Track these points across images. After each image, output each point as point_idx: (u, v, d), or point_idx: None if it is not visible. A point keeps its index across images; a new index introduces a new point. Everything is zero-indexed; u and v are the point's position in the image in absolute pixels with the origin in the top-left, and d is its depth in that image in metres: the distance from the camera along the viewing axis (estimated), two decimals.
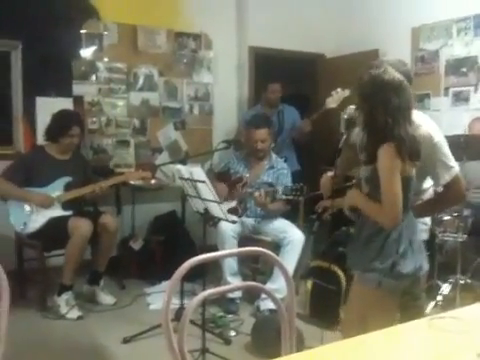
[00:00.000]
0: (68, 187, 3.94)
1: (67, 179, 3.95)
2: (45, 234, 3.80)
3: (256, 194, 3.80)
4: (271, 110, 4.96)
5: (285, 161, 4.42)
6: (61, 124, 3.95)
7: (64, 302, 3.72)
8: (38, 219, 3.83)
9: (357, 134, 2.30)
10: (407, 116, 2.03)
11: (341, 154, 2.41)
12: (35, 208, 3.84)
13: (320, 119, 4.59)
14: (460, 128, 4.28)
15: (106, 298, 4.00)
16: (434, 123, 2.36)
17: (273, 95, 4.98)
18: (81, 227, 3.74)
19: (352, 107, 2.24)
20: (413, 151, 2.02)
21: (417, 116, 2.15)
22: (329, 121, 4.43)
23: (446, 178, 2.28)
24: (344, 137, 2.33)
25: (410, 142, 2.00)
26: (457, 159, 2.39)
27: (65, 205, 3.91)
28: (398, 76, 2.04)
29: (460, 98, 4.66)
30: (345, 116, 2.24)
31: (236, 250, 1.65)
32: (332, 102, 4.21)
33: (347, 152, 2.43)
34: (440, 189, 2.40)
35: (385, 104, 1.99)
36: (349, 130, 2.32)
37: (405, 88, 2.03)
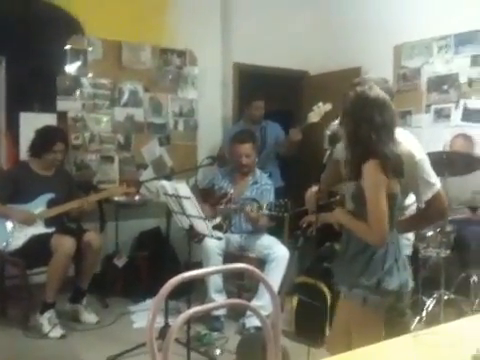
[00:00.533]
0: (51, 204, 3.90)
1: (50, 195, 3.91)
2: (27, 251, 3.74)
3: (247, 208, 3.79)
4: (254, 126, 4.99)
5: (269, 176, 4.43)
6: (45, 140, 3.92)
7: (47, 320, 3.66)
8: (20, 236, 3.77)
9: (341, 149, 2.32)
10: (391, 134, 2.05)
11: (325, 169, 2.42)
12: (17, 225, 3.79)
13: (303, 134, 4.62)
14: (441, 145, 4.33)
15: (89, 317, 3.94)
16: (415, 140, 2.38)
17: (257, 112, 5.01)
18: (64, 245, 3.69)
19: (335, 123, 2.26)
20: (397, 169, 2.04)
21: (398, 133, 2.17)
22: (312, 136, 4.47)
23: (428, 195, 2.30)
24: (328, 152, 2.35)
25: (394, 159, 2.02)
26: (439, 175, 2.42)
27: (48, 222, 3.86)
28: (383, 94, 2.06)
29: (441, 115, 4.73)
30: (328, 132, 2.27)
31: (221, 267, 1.64)
32: (314, 116, 4.25)
33: (331, 167, 2.45)
34: (422, 206, 2.42)
35: (368, 121, 2.01)
36: (333, 145, 2.34)
37: (389, 106, 2.05)
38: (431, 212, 2.36)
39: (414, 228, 2.61)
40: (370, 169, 1.99)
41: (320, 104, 4.20)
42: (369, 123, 2.00)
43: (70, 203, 3.89)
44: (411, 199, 2.45)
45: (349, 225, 2.13)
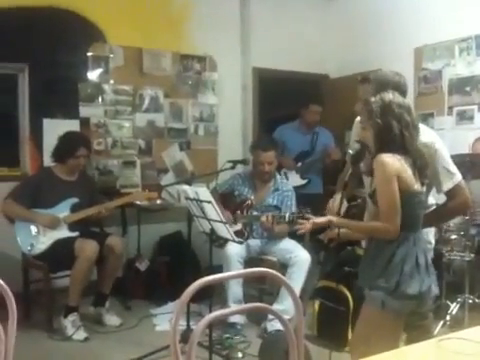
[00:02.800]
0: (74, 208, 3.95)
1: (74, 200, 3.96)
2: (51, 255, 3.81)
3: (263, 218, 3.80)
4: (307, 130, 5.04)
5: (308, 183, 4.43)
6: (68, 146, 3.98)
7: (70, 323, 3.71)
8: (45, 240, 3.84)
9: (364, 166, 2.33)
10: (417, 134, 2.10)
11: (348, 188, 2.42)
12: (42, 229, 3.85)
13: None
14: (464, 147, 4.28)
15: (112, 319, 3.98)
16: (435, 133, 2.41)
17: (313, 117, 5.01)
18: (87, 249, 3.74)
19: (357, 143, 2.25)
20: (422, 167, 2.07)
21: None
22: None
23: (449, 185, 2.30)
24: (350, 171, 2.35)
25: (420, 158, 2.06)
26: (462, 178, 2.40)
27: (71, 226, 3.92)
28: (407, 101, 2.14)
29: (464, 117, 4.67)
30: (351, 152, 2.26)
31: (243, 271, 1.64)
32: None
33: (354, 185, 2.46)
34: (443, 193, 2.39)
35: (399, 119, 2.05)
36: (356, 165, 2.33)
37: (412, 110, 2.12)
38: (453, 205, 2.34)
39: (436, 222, 2.57)
40: (379, 162, 2.03)
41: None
42: (399, 121, 2.05)
43: (94, 207, 3.94)
44: (432, 199, 2.44)
45: (358, 230, 2.17)
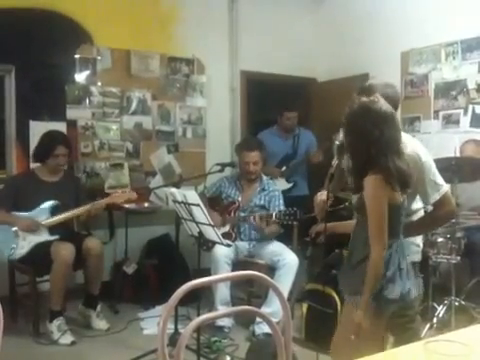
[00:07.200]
0: (55, 210, 3.87)
1: (53, 202, 3.87)
2: (32, 260, 3.75)
3: (251, 218, 3.82)
4: (287, 134, 5.06)
5: (294, 185, 4.45)
6: (46, 145, 3.92)
7: (56, 328, 3.67)
8: (24, 245, 3.77)
9: (347, 159, 2.33)
10: (395, 148, 2.03)
11: (333, 180, 2.43)
12: (21, 233, 3.78)
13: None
14: (451, 150, 4.31)
15: (100, 323, 3.94)
16: (420, 143, 2.40)
17: (288, 122, 5.07)
18: (62, 252, 3.67)
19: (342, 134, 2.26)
20: (403, 182, 2.04)
21: (403, 137, 2.17)
22: None
23: (435, 197, 2.31)
24: (336, 163, 2.36)
25: (398, 173, 2.01)
26: (448, 181, 2.42)
27: (52, 229, 3.84)
28: (386, 107, 2.03)
29: (450, 121, 4.72)
30: (337, 142, 2.26)
31: (231, 274, 1.64)
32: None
33: (338, 176, 2.46)
34: (430, 208, 2.42)
35: (367, 135, 2.00)
36: (341, 156, 2.34)
37: (391, 120, 2.04)
38: (439, 214, 2.36)
39: (423, 231, 2.60)
40: (369, 184, 2.01)
41: None
42: (367, 137, 2.00)
43: (73, 210, 3.86)
44: (419, 204, 2.46)
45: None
